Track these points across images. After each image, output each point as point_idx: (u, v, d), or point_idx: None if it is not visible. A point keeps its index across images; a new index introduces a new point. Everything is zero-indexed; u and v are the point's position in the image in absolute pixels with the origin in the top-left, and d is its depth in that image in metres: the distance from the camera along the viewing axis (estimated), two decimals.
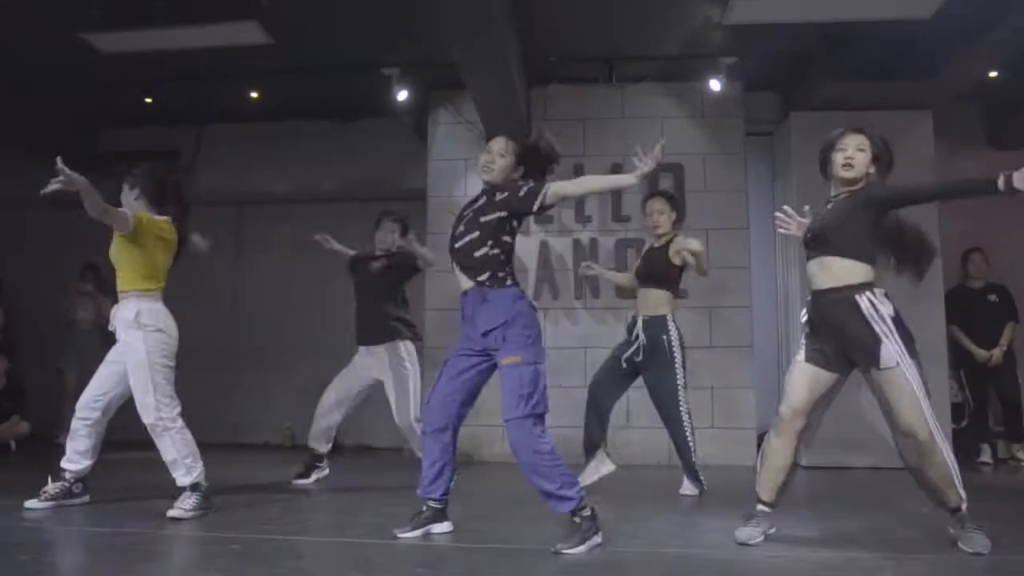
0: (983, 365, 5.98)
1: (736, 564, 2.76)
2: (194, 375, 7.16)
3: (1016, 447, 5.92)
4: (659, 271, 4.46)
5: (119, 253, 3.67)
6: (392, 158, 6.80)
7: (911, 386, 2.83)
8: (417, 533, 3.05)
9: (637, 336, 4.39)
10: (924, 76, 5.49)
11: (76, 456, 3.62)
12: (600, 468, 4.39)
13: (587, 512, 2.91)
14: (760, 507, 3.07)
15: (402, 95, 6.00)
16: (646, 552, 2.96)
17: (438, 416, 3.07)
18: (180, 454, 3.50)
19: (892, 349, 2.84)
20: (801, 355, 3.07)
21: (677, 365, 4.35)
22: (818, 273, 3.02)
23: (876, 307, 2.90)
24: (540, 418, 2.91)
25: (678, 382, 4.34)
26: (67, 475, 3.60)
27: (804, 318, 3.12)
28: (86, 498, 3.63)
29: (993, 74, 5.69)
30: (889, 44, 5.37)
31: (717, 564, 2.77)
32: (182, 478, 3.49)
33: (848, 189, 3.05)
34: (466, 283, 3.11)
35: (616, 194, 6.14)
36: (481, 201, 3.17)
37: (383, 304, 4.76)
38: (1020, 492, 4.87)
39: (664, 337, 4.34)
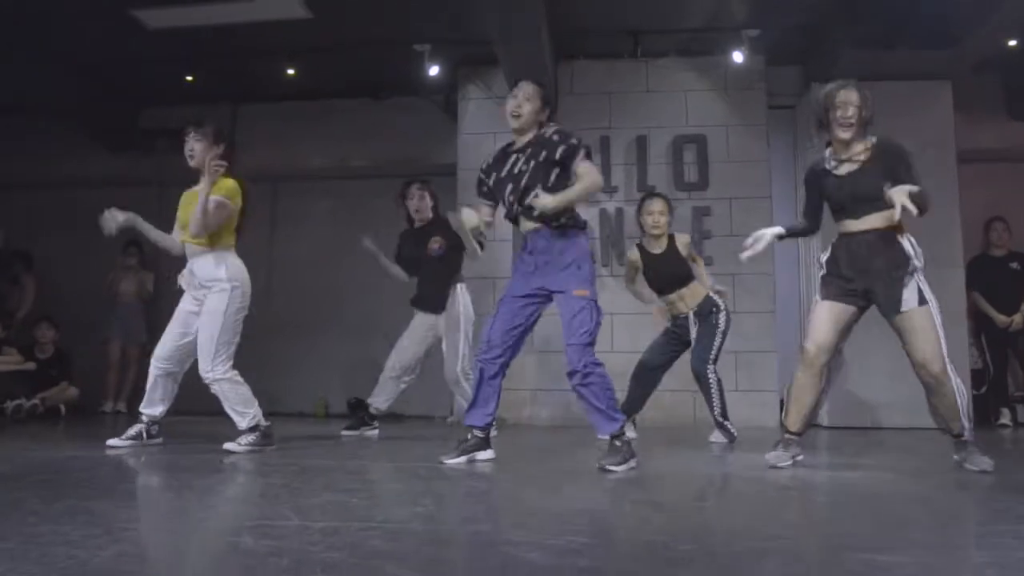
0: (1004, 331, 6.09)
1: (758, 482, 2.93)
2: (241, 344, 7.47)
3: None
4: (682, 273, 4.60)
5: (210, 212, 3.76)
6: (422, 134, 7.00)
7: (932, 323, 3.04)
8: (463, 459, 3.24)
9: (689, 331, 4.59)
10: (943, 45, 5.61)
11: (153, 402, 3.84)
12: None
13: (626, 437, 3.11)
14: (788, 435, 3.24)
15: (433, 70, 6.20)
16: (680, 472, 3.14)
17: (497, 344, 3.25)
18: (231, 403, 3.73)
19: (924, 288, 3.05)
20: (820, 295, 3.24)
21: (719, 334, 4.56)
22: (856, 224, 3.17)
23: (915, 247, 3.11)
24: (594, 344, 3.16)
25: (712, 351, 4.54)
26: (144, 418, 3.83)
27: (826, 257, 3.26)
28: (160, 440, 3.86)
29: (1012, 43, 5.79)
30: (908, 12, 5.48)
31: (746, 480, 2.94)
32: (240, 422, 3.71)
33: (851, 151, 3.19)
34: (535, 224, 3.23)
35: (642, 164, 6.31)
36: (528, 152, 3.29)
37: (446, 279, 4.96)
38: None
39: (713, 311, 4.56)
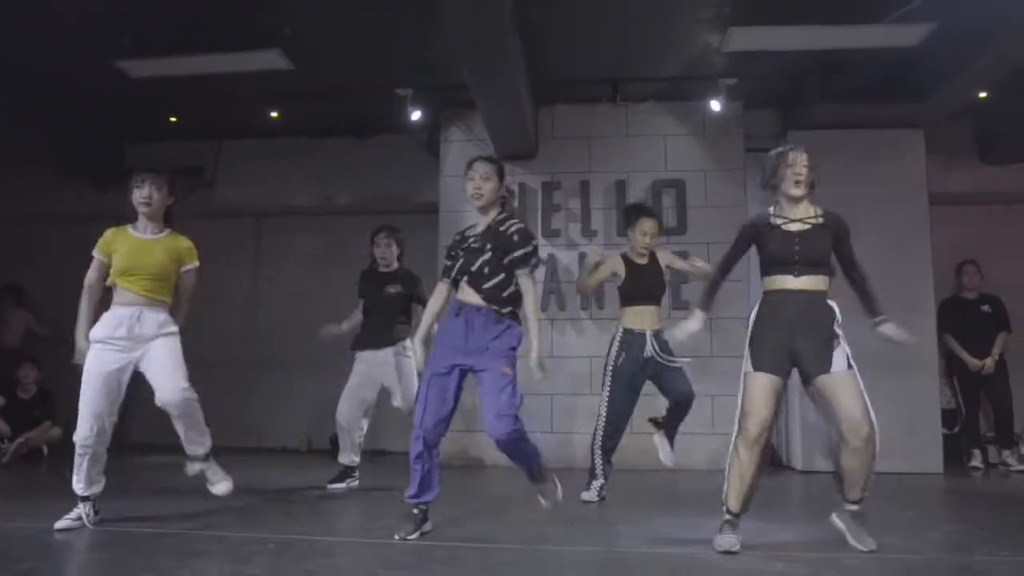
0: (976, 373, 6.21)
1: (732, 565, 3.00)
2: (214, 381, 7.45)
3: (1006, 452, 6.15)
4: (659, 288, 4.67)
5: (168, 267, 3.80)
6: (405, 174, 7.07)
7: (859, 386, 3.13)
8: (416, 535, 3.32)
9: (649, 352, 4.55)
10: (915, 99, 5.74)
11: (93, 480, 3.57)
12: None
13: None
14: (730, 517, 3.19)
15: (415, 115, 6.28)
16: (648, 552, 3.22)
17: (430, 435, 3.33)
18: (196, 424, 3.76)
19: (848, 354, 3.14)
20: (750, 365, 3.20)
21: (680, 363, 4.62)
22: (794, 282, 3.20)
23: (838, 315, 3.19)
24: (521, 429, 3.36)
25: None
26: (87, 500, 3.56)
27: (753, 315, 3.28)
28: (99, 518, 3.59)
29: (983, 95, 5.91)
30: (879, 69, 5.62)
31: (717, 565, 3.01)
32: (200, 448, 3.77)
33: (802, 211, 3.26)
34: (479, 302, 3.34)
35: (621, 209, 6.39)
36: (490, 242, 3.41)
37: (393, 320, 5.05)
38: (1008, 497, 5.09)
39: (668, 340, 4.56)
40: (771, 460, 6.23)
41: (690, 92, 6.28)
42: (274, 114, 6.49)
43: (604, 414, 4.50)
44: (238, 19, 5.08)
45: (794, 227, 3.25)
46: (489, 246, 3.38)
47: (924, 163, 6.14)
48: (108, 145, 7.36)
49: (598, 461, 4.50)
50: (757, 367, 3.17)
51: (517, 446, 3.35)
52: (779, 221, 3.27)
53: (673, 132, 6.48)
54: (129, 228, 3.79)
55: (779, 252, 3.23)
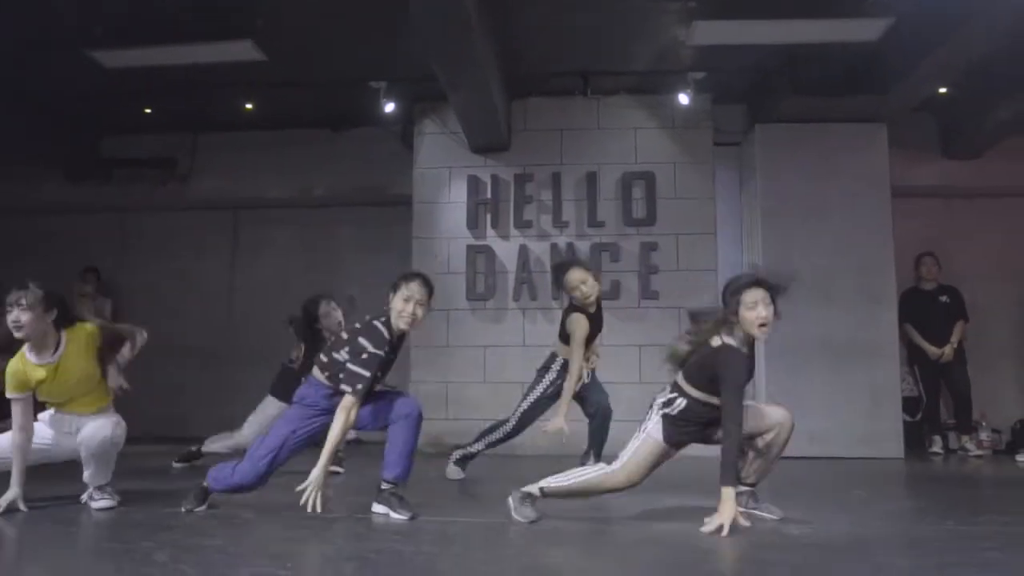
0: (935, 362, 6.38)
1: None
2: (191, 374, 7.56)
3: (965, 438, 6.33)
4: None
5: (91, 367, 3.51)
6: (380, 165, 7.14)
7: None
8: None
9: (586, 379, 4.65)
10: (877, 92, 5.88)
11: None
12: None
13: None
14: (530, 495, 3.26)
15: (389, 107, 6.35)
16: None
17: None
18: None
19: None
20: (660, 435, 3.18)
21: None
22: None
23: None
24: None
25: None
26: None
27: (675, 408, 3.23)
28: None
29: (943, 90, 6.08)
30: (842, 63, 5.77)
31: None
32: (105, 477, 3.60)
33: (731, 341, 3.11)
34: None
35: (592, 200, 6.51)
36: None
37: None
38: (967, 479, 5.25)
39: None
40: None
41: (660, 85, 6.39)
42: (248, 106, 6.53)
43: (514, 424, 4.68)
44: (211, 10, 5.12)
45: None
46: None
47: (887, 157, 6.29)
48: (82, 137, 7.37)
49: (481, 450, 4.74)
50: (666, 440, 3.19)
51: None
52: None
53: (643, 125, 6.60)
54: (26, 353, 3.40)
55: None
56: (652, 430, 3.20)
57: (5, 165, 7.04)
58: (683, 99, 6.26)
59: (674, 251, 6.44)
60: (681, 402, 3.18)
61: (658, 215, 6.47)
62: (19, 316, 3.29)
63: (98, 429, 3.46)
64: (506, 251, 6.52)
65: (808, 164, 6.32)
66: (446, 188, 6.65)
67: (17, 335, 3.31)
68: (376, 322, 3.38)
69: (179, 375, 7.39)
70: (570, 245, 6.46)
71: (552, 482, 3.26)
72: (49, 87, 6.20)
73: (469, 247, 6.52)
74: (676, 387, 3.23)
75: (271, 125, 7.13)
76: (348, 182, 7.25)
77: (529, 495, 3.25)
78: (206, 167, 7.40)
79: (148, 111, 6.63)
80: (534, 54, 5.98)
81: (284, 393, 4.57)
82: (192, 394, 7.41)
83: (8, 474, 3.39)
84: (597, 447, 4.66)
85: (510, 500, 3.24)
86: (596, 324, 4.57)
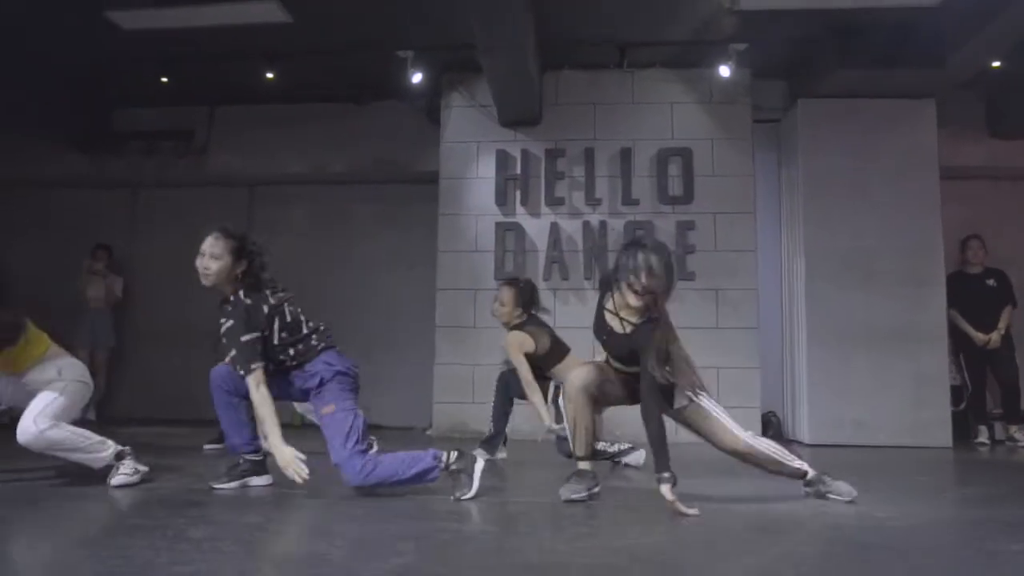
0: (981, 348, 6.12)
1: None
2: (205, 353, 7.29)
3: (1013, 428, 6.06)
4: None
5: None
6: (403, 140, 6.88)
7: (714, 412, 3.07)
8: (235, 485, 3.19)
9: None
10: (929, 65, 5.62)
11: None
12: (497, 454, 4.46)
13: (454, 459, 3.04)
14: (581, 464, 3.13)
15: (416, 77, 6.09)
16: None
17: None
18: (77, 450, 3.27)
19: (681, 392, 3.02)
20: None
21: None
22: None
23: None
24: (363, 453, 3.04)
25: None
26: None
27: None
28: None
29: (996, 64, 5.81)
30: (896, 32, 5.49)
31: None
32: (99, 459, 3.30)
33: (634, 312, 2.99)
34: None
35: (626, 177, 6.25)
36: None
37: None
38: (1016, 470, 5.00)
39: None
40: (777, 433, 6.16)
41: (698, 58, 6.13)
42: (270, 75, 6.25)
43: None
44: None
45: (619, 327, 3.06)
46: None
47: (936, 135, 6.03)
48: (95, 108, 7.12)
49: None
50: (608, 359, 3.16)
51: (377, 485, 3.05)
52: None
53: (680, 99, 6.34)
54: None
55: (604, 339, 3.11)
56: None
57: (13, 136, 6.78)
58: (724, 71, 5.99)
59: (711, 231, 6.18)
60: None
61: (695, 193, 6.21)
62: None
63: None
64: (536, 229, 6.26)
65: (852, 141, 6.06)
66: (474, 163, 6.39)
67: None
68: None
69: (193, 356, 7.13)
70: (603, 223, 6.21)
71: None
72: (64, 52, 5.94)
73: (498, 224, 6.27)
74: None
75: (291, 98, 6.87)
76: (369, 157, 7.00)
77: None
78: (222, 141, 7.15)
79: (165, 80, 6.34)
80: (569, 22, 5.71)
81: None
82: (204, 375, 7.16)
83: None
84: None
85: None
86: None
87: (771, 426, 6.14)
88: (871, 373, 5.85)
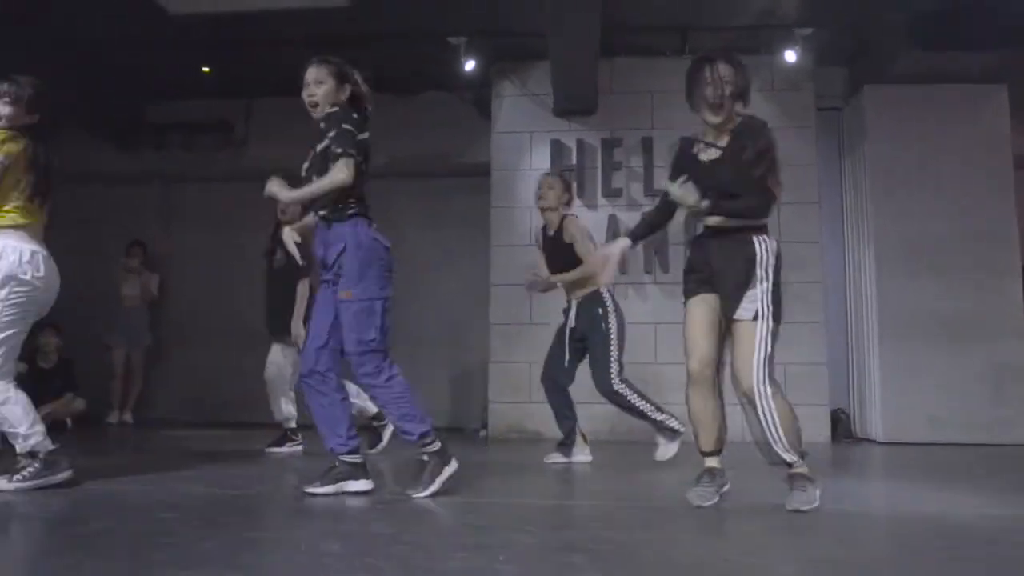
0: None
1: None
2: (248, 352, 7.09)
3: None
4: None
5: None
6: (450, 132, 6.66)
7: (756, 339, 2.67)
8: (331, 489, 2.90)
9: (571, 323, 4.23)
10: (1005, 45, 5.41)
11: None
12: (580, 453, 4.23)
13: (433, 449, 2.89)
14: (708, 462, 2.87)
15: (469, 65, 5.88)
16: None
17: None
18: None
19: (760, 299, 2.68)
20: (685, 299, 2.88)
21: (612, 343, 4.13)
22: (709, 218, 2.81)
23: (765, 250, 2.74)
24: (378, 352, 2.87)
25: (611, 367, 4.11)
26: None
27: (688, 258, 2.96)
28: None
29: None
30: (973, 11, 5.28)
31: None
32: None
33: (719, 131, 2.83)
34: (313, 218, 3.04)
35: None
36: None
37: None
38: None
39: (599, 310, 4.15)
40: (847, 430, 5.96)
41: (759, 44, 5.91)
42: None
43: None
44: None
45: (707, 155, 2.85)
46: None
47: (1008, 122, 5.83)
48: (131, 101, 6.88)
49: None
50: (689, 295, 2.86)
51: (371, 390, 2.94)
52: (698, 147, 2.90)
53: None
54: None
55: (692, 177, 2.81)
56: None
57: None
58: (789, 56, 5.78)
59: (775, 221, 5.78)
60: None
61: None
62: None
63: None
64: (593, 222, 5.97)
65: (921, 128, 5.86)
66: (527, 154, 6.18)
67: None
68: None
69: (234, 356, 6.90)
70: None
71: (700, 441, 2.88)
72: (106, 40, 5.70)
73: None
74: None
75: None
76: (414, 150, 6.76)
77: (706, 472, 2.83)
78: (262, 134, 6.92)
79: (206, 70, 6.12)
80: (632, 7, 5.50)
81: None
82: (249, 375, 6.94)
83: None
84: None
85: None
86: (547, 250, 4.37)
87: (841, 424, 5.93)
88: (946, 367, 5.64)
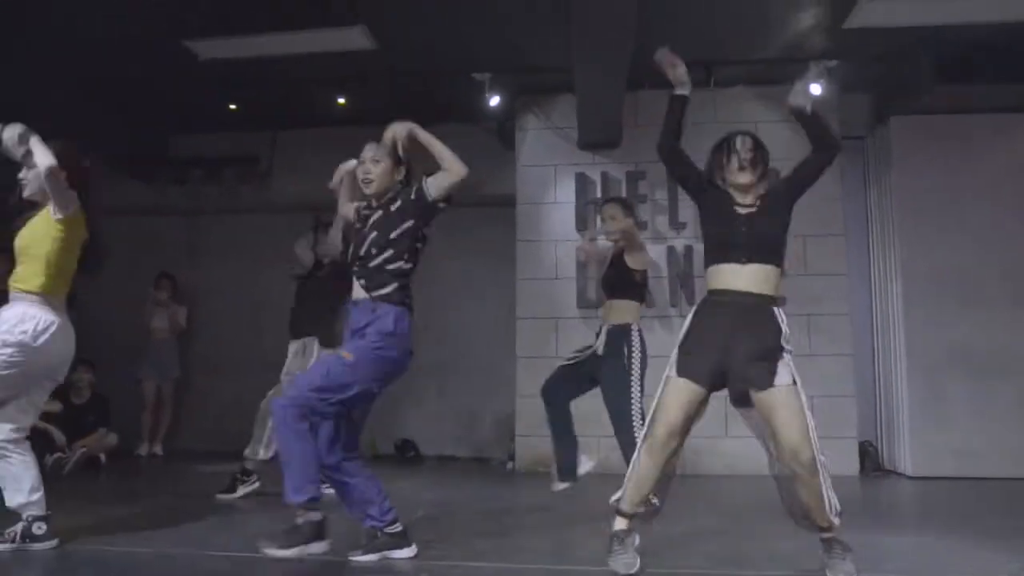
0: None
1: None
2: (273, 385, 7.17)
3: None
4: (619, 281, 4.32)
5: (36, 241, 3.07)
6: (475, 163, 6.64)
7: (802, 404, 2.65)
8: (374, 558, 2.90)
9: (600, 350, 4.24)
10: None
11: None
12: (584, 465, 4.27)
13: (313, 517, 2.87)
14: (619, 523, 2.83)
15: (494, 100, 5.91)
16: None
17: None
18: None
19: (791, 367, 2.68)
20: (674, 370, 2.80)
21: (634, 373, 4.12)
22: (734, 277, 2.82)
23: (785, 323, 2.77)
24: (302, 409, 2.82)
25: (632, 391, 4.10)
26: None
27: (687, 325, 2.87)
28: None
29: None
30: (1002, 45, 5.27)
31: None
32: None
33: (749, 193, 2.97)
34: (361, 294, 3.02)
35: None
36: (377, 215, 3.10)
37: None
38: None
39: (623, 347, 4.14)
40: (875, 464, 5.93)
41: (785, 75, 5.88)
42: (342, 100, 6.08)
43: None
44: None
45: (742, 209, 2.91)
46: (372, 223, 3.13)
47: None
48: (155, 136, 6.96)
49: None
50: (681, 372, 2.77)
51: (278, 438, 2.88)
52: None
53: (764, 119, 6.09)
54: None
55: (724, 228, 2.90)
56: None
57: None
58: (815, 89, 5.76)
59: (801, 253, 5.96)
60: None
61: None
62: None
63: None
64: None
65: (949, 159, 5.85)
66: (552, 187, 6.20)
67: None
68: None
69: (260, 386, 6.96)
70: (688, 248, 6.00)
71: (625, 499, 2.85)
72: (133, 80, 5.77)
73: (579, 250, 6.07)
74: None
75: (357, 121, 6.68)
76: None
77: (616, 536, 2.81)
78: (286, 166, 6.98)
79: (233, 107, 6.18)
80: (657, 41, 5.49)
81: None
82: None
83: None
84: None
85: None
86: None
87: (869, 457, 5.90)
88: (975, 400, 5.61)
